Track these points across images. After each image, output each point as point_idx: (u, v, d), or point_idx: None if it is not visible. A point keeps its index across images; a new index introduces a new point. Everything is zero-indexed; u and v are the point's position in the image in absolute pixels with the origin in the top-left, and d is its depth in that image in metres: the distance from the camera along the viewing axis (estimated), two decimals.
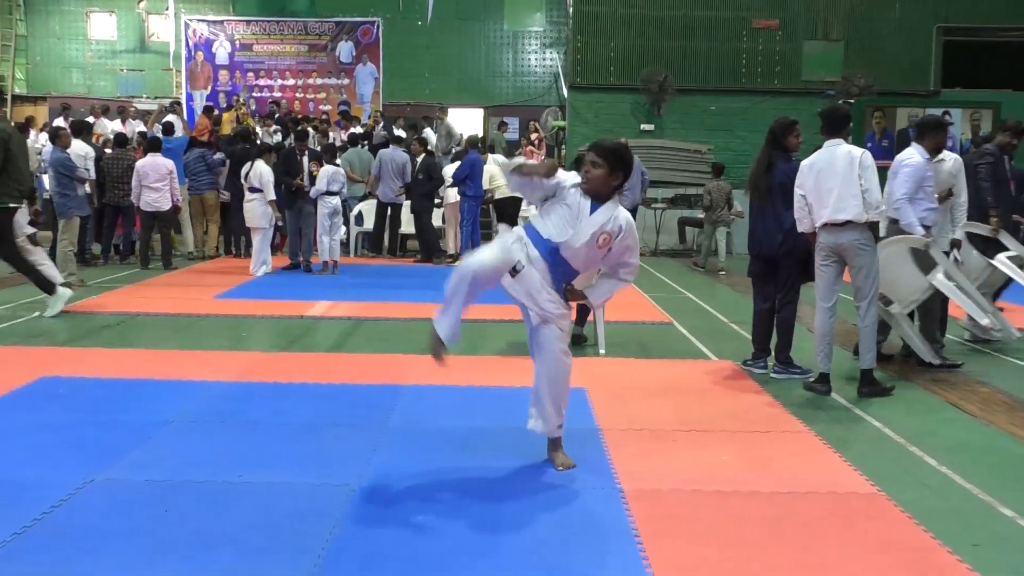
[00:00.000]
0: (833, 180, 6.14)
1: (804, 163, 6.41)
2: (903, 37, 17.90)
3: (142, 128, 17.06)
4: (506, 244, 4.43)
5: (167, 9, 20.78)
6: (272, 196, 11.89)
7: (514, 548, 3.70)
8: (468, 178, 13.55)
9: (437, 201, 14.44)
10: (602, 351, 7.56)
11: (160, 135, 14.05)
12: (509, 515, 4.05)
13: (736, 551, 3.69)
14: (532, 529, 3.90)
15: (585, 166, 4.47)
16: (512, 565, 3.54)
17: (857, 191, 6.07)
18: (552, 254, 4.40)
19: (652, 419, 5.59)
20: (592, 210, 4.41)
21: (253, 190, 11.89)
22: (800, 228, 6.46)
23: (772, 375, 6.83)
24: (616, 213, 4.47)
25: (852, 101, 17.24)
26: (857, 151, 6.19)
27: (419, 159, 14.32)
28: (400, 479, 4.47)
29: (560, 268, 4.43)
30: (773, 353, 6.91)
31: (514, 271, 4.37)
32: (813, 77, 17.94)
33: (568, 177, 4.49)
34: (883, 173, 6.35)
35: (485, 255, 4.37)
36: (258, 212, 11.95)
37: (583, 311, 7.89)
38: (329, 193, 12.13)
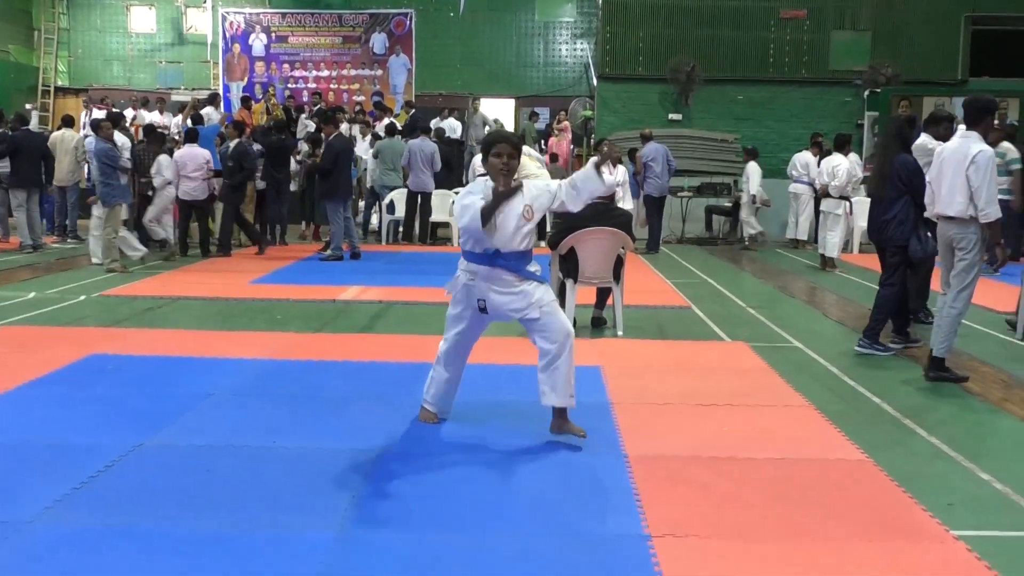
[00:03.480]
0: (949, 172, 6.27)
1: (937, 150, 6.66)
2: (931, 26, 17.94)
3: (178, 119, 17.52)
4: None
5: (205, 2, 21.31)
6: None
7: (523, 508, 4.05)
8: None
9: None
10: (620, 333, 7.88)
11: (192, 124, 14.48)
12: (520, 479, 4.41)
13: (728, 510, 4.01)
14: (541, 490, 4.25)
15: (503, 159, 4.81)
16: (521, 522, 3.89)
17: (964, 187, 6.12)
18: (495, 258, 4.79)
19: (661, 394, 5.92)
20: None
21: None
22: (927, 213, 6.76)
23: (856, 348, 7.22)
24: (527, 186, 4.91)
25: (879, 90, 17.37)
26: (976, 148, 6.14)
27: (232, 144, 13.09)
28: (421, 447, 4.84)
29: (508, 261, 4.79)
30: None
31: (483, 310, 4.86)
32: (840, 67, 18.03)
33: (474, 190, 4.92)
34: None
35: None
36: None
37: (602, 295, 8.21)
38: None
